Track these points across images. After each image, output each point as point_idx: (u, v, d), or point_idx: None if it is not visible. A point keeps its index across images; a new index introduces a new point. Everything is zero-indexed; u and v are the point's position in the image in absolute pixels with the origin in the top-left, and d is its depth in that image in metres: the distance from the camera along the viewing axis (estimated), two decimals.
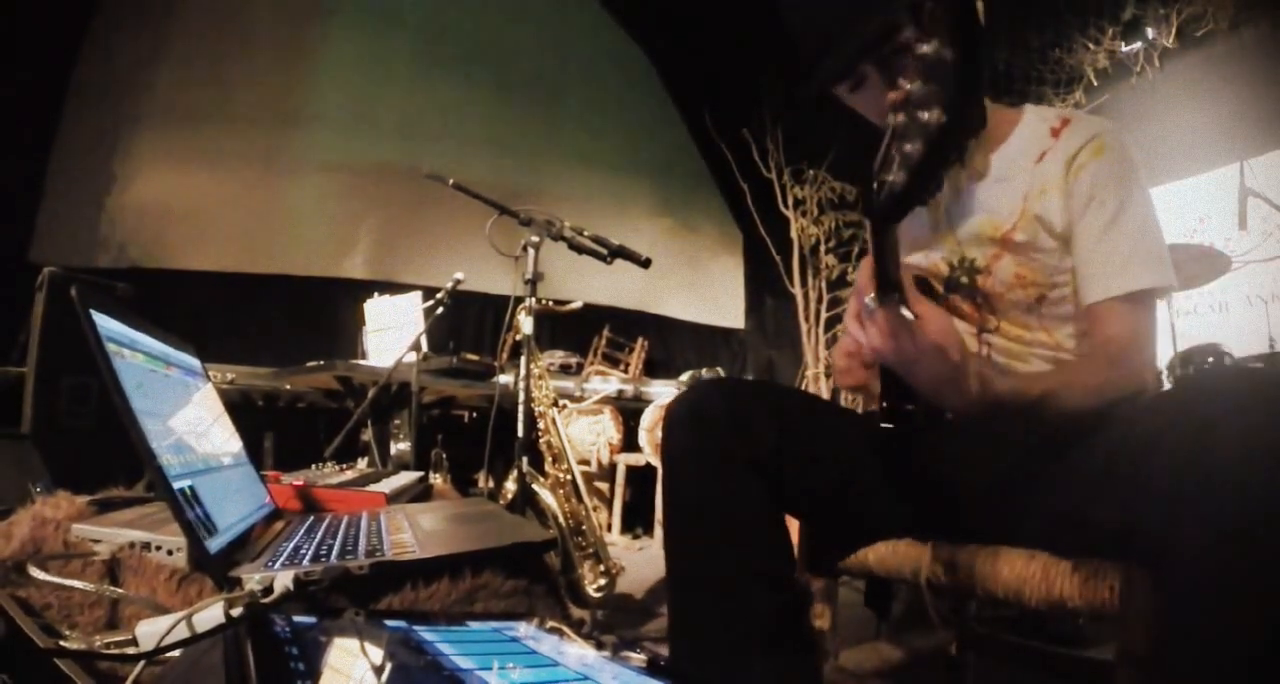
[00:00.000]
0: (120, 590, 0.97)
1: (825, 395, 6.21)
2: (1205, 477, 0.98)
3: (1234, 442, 0.97)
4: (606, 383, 6.34)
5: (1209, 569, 0.97)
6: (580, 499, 3.31)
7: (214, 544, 1.04)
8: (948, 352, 1.16)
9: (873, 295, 1.16)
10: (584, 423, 5.82)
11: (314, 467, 2.40)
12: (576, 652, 0.82)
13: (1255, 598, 0.94)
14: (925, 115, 0.99)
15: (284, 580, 0.89)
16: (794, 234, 6.94)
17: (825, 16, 1.53)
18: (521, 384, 2.85)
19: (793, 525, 1.63)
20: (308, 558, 1.11)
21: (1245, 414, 0.98)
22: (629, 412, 5.85)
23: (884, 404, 1.30)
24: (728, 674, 1.44)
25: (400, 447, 4.20)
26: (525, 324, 2.88)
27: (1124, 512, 1.12)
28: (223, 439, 1.45)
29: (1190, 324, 5.32)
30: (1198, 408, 1.04)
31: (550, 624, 0.91)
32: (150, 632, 0.78)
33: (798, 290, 6.96)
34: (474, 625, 0.87)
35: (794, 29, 1.59)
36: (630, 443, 5.65)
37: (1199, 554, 0.98)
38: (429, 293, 3.90)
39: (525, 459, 2.87)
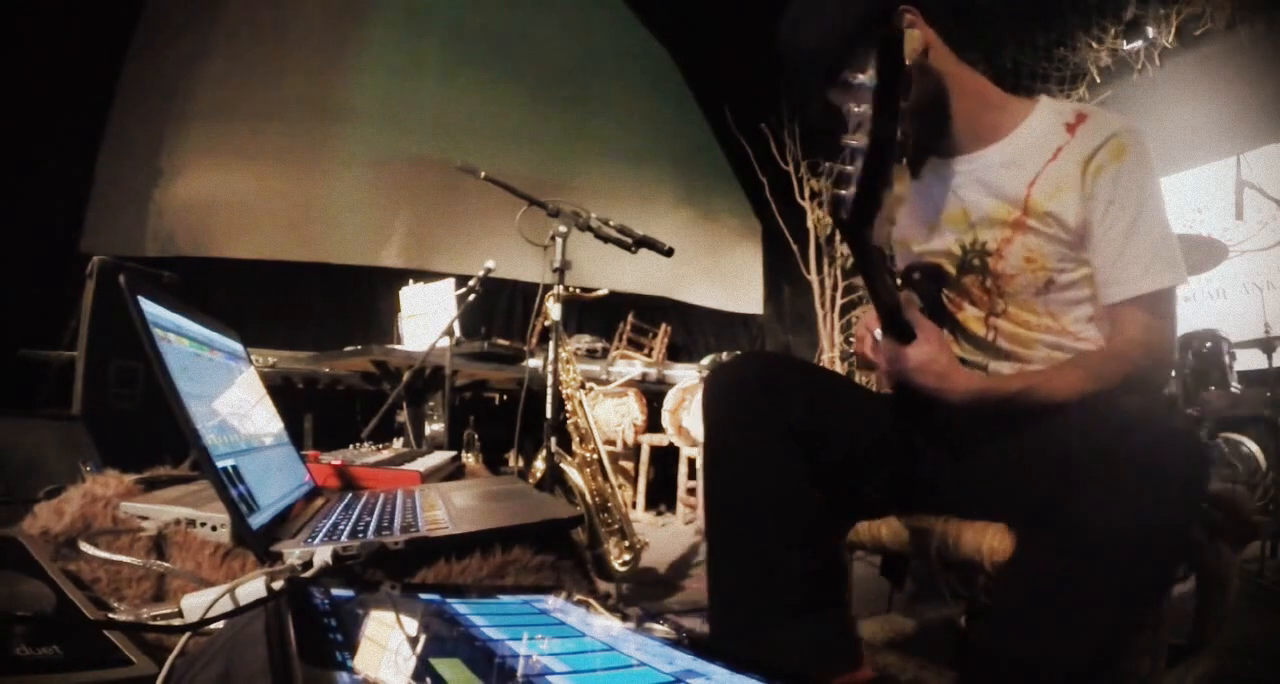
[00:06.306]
0: (166, 565, 0.97)
1: None
2: (1115, 484, 1.15)
3: (1134, 462, 1.16)
4: (631, 366, 6.34)
5: (1099, 538, 1.15)
6: (606, 478, 3.31)
7: (256, 521, 1.04)
8: (933, 365, 1.35)
9: (879, 330, 1.40)
10: (609, 405, 5.84)
11: (351, 446, 2.40)
12: (602, 623, 0.81)
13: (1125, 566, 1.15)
14: (859, 138, 1.09)
15: (323, 555, 0.89)
16: (810, 224, 6.91)
17: (797, 50, 1.61)
18: (550, 368, 2.85)
19: None
20: (346, 534, 1.11)
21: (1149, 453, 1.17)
22: (652, 394, 5.86)
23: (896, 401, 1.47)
24: (768, 634, 1.44)
25: (434, 427, 4.21)
26: (553, 310, 2.89)
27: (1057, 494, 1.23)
28: (264, 420, 1.45)
29: (1189, 310, 5.35)
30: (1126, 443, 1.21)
31: (577, 597, 0.91)
32: (195, 604, 0.78)
33: (814, 278, 6.94)
34: (504, 598, 0.86)
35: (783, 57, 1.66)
36: (654, 424, 5.65)
37: (1100, 528, 1.15)
38: (461, 280, 3.90)
39: (554, 439, 2.87)
